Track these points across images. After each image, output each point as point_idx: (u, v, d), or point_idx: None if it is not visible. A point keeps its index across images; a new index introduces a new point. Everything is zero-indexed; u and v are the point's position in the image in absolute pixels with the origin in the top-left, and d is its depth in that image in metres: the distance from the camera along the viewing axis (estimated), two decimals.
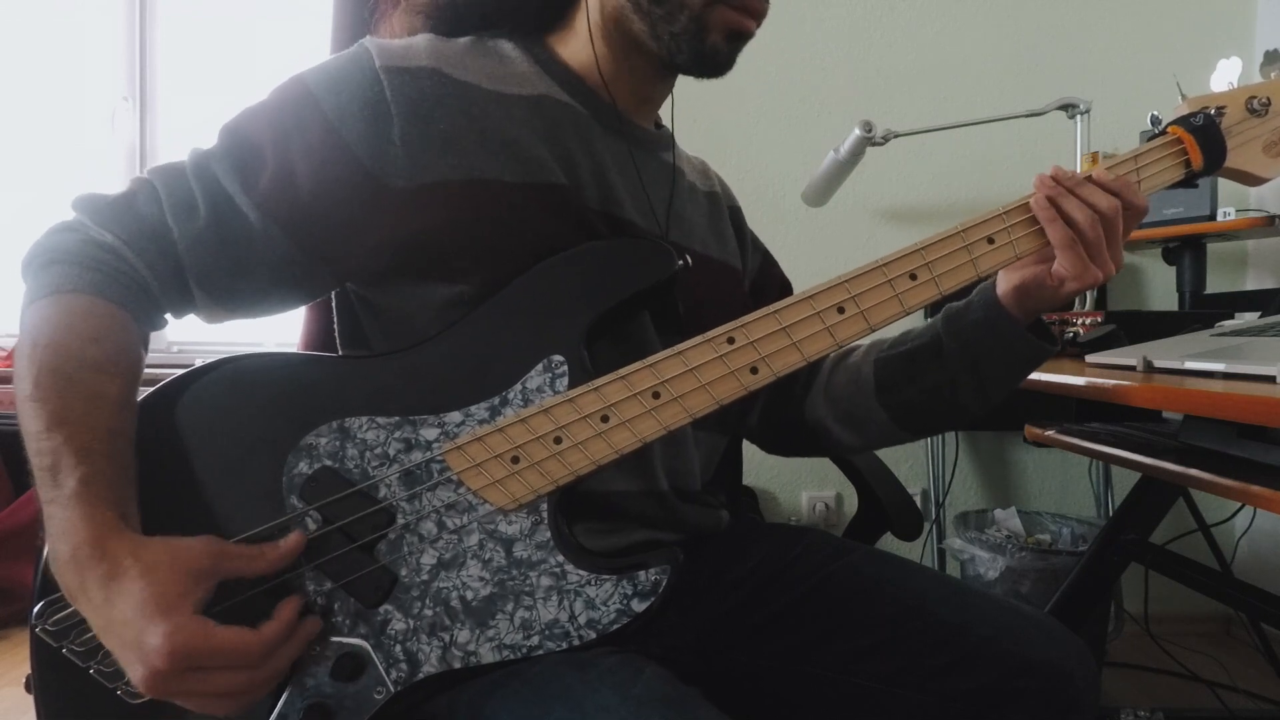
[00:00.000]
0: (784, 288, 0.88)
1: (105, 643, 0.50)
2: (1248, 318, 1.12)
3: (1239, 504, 1.54)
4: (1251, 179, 0.71)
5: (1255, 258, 1.95)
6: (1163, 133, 0.69)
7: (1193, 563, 1.25)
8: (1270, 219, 1.48)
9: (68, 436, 0.51)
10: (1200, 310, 1.53)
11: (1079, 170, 0.67)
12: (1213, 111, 0.69)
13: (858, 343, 0.66)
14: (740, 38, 0.68)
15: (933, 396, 0.73)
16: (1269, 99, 0.70)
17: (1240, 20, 1.95)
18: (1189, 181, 0.70)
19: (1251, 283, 1.95)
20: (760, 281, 0.87)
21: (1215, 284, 1.73)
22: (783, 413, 0.84)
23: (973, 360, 0.70)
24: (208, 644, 0.48)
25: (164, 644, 0.47)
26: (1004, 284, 0.68)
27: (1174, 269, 1.65)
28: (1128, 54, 1.93)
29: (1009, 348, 0.69)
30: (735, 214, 0.86)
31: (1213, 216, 1.52)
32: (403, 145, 0.60)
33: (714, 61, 0.67)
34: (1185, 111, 0.69)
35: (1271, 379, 0.66)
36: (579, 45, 0.70)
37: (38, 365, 0.53)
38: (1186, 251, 1.62)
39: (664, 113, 0.80)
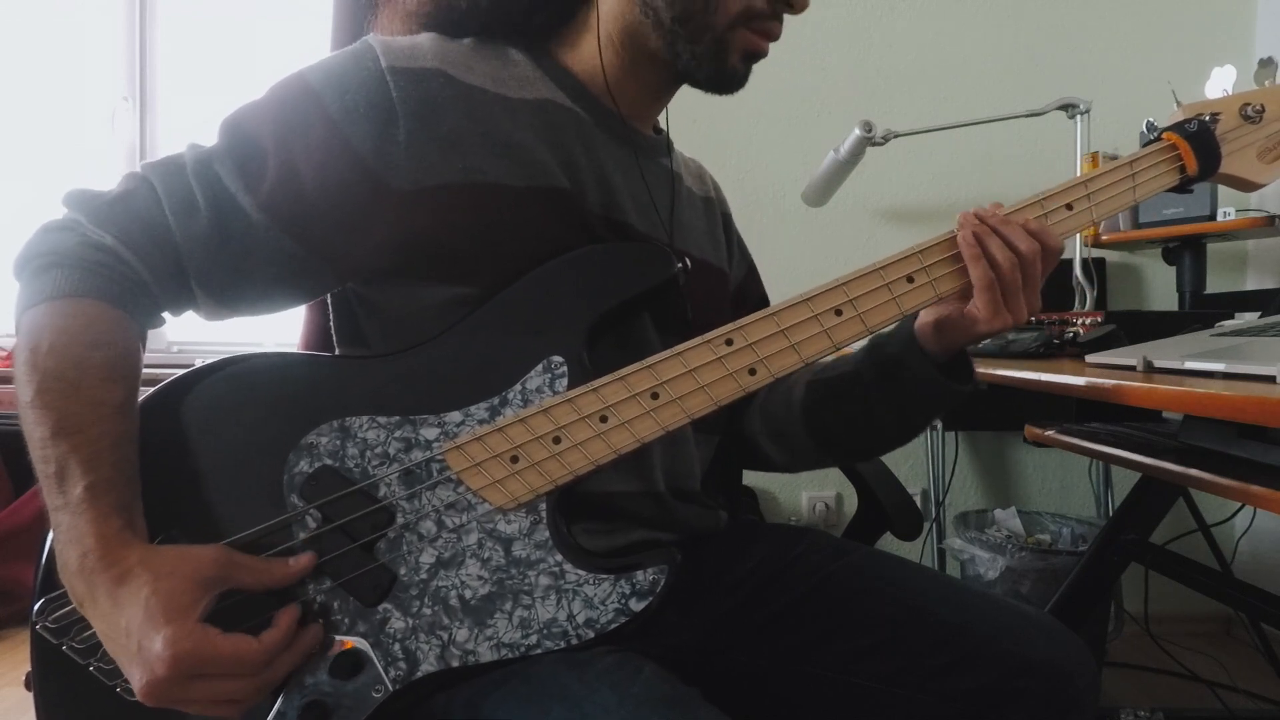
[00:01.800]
0: (760, 303, 0.87)
1: (109, 649, 0.51)
2: (1248, 318, 1.11)
3: (1239, 504, 1.54)
4: (1246, 185, 0.71)
5: (1255, 258, 1.95)
6: (1158, 138, 0.69)
7: (1193, 563, 1.25)
8: (1270, 219, 1.48)
9: (74, 445, 0.51)
10: (1200, 310, 1.53)
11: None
12: (1207, 118, 0.69)
13: None
14: (755, 58, 0.69)
15: (851, 423, 0.74)
16: (1263, 105, 0.70)
17: (1240, 21, 1.95)
18: (1183, 187, 0.70)
19: (1251, 283, 1.95)
20: (742, 291, 0.86)
21: (1215, 284, 1.73)
22: (726, 426, 0.83)
23: (887, 392, 0.70)
24: (209, 651, 0.48)
25: (166, 651, 0.47)
26: (925, 316, 0.67)
27: (1174, 269, 1.65)
28: (1127, 55, 1.93)
29: (920, 384, 0.68)
30: (727, 219, 0.86)
31: (1213, 216, 1.52)
32: (407, 146, 0.59)
33: (732, 81, 0.69)
34: (1180, 118, 0.69)
35: (1271, 379, 0.66)
36: (584, 52, 0.69)
37: (41, 372, 0.53)
38: (1186, 251, 1.62)
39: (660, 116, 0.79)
